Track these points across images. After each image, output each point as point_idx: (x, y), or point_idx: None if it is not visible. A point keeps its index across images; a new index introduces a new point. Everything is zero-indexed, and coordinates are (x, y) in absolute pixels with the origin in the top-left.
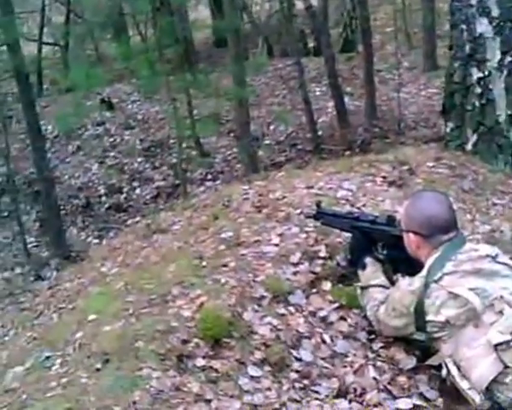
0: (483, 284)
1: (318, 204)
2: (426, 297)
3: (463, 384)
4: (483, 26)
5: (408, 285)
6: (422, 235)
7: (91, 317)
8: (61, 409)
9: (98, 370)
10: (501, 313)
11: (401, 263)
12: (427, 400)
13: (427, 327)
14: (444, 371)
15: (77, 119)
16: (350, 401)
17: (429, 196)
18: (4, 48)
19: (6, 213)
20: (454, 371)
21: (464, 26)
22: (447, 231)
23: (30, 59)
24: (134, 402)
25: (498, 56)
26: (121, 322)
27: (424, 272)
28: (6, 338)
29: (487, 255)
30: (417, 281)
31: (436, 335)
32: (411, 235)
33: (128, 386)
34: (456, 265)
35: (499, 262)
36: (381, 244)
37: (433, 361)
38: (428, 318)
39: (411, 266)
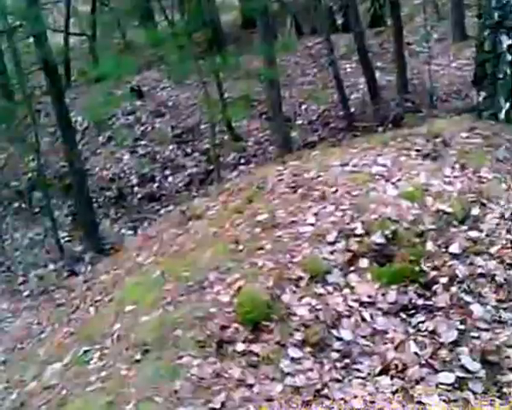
0: None
1: None
2: None
3: None
4: None
5: None
6: None
7: (128, 308)
8: (102, 403)
9: (138, 361)
10: None
11: None
12: (469, 372)
13: None
14: None
15: (107, 108)
16: (392, 378)
17: None
18: (31, 40)
19: (37, 209)
20: None
21: None
22: None
23: (57, 50)
24: (175, 391)
25: None
26: (159, 311)
27: None
28: (43, 335)
29: None
30: None
31: None
32: None
33: (169, 375)
34: None
35: None
36: None
37: None
38: None
39: None
